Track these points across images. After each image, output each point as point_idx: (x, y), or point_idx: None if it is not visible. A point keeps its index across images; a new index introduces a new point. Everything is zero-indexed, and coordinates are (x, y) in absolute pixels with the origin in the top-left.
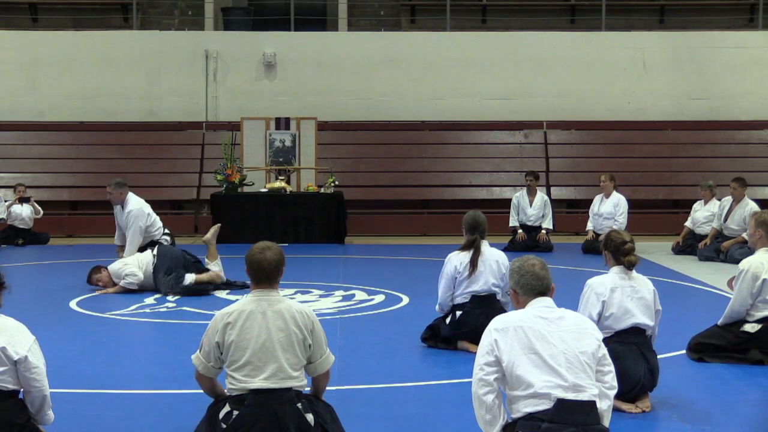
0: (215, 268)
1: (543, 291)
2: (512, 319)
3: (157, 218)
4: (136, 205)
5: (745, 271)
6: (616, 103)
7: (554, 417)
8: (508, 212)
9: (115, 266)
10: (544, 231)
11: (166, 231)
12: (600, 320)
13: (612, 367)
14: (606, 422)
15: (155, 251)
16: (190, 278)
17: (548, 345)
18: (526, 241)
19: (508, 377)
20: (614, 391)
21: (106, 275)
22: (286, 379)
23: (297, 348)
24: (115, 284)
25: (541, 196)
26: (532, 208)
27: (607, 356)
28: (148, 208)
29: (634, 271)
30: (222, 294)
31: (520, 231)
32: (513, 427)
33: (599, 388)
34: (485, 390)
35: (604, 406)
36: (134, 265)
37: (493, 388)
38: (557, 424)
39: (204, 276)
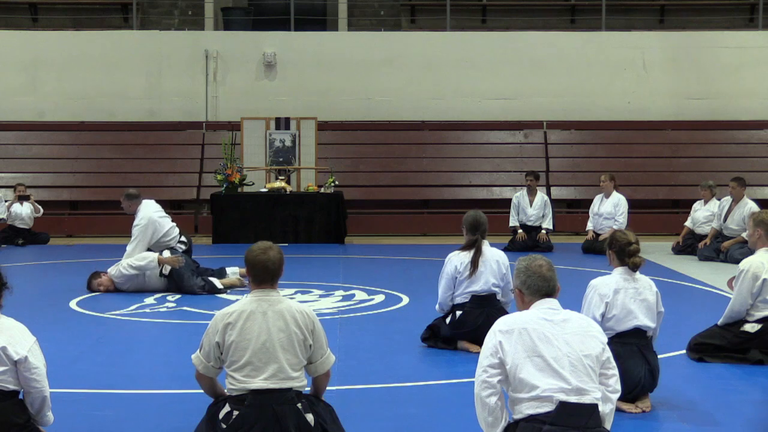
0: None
1: (549, 292)
2: (517, 320)
3: (173, 227)
4: (142, 220)
5: (746, 270)
6: (616, 103)
7: (555, 419)
8: (508, 212)
9: (112, 270)
10: (544, 231)
11: (182, 239)
12: (602, 321)
13: (616, 371)
14: (608, 425)
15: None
16: (218, 281)
17: (552, 348)
18: (526, 241)
19: (511, 379)
20: (617, 395)
21: (106, 279)
22: (286, 379)
23: (297, 348)
24: (116, 287)
25: (541, 196)
26: (533, 208)
27: (612, 359)
28: (156, 217)
29: (637, 272)
30: (222, 294)
31: (520, 231)
32: (514, 427)
33: (602, 391)
34: (488, 392)
35: (607, 409)
36: (128, 263)
37: (496, 390)
38: (558, 427)
39: (227, 281)
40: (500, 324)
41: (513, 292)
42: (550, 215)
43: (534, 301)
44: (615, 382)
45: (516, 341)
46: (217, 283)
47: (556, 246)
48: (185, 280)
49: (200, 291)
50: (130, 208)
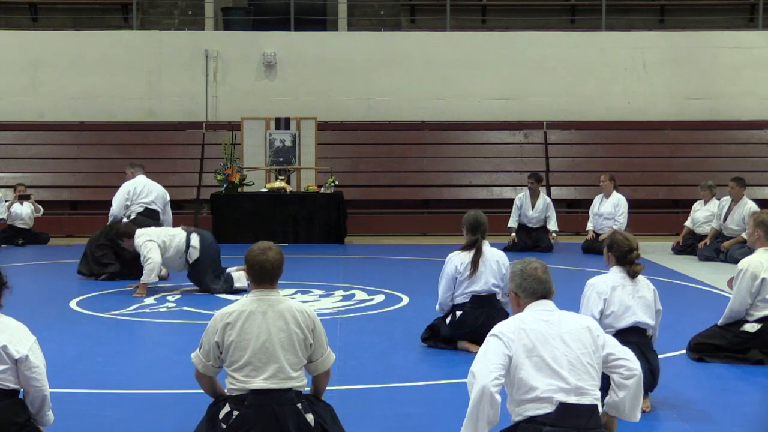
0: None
1: (545, 294)
2: (515, 322)
3: (137, 206)
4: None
5: (744, 270)
6: (616, 103)
7: (556, 421)
8: (508, 212)
9: (138, 241)
10: (553, 234)
11: (133, 218)
12: (601, 319)
13: (624, 358)
14: (629, 412)
15: (195, 242)
16: (239, 280)
17: (550, 347)
18: (526, 241)
19: (510, 379)
20: (632, 381)
21: (131, 244)
22: (286, 379)
23: (298, 348)
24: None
25: (543, 198)
26: (534, 210)
27: (614, 349)
28: (129, 188)
29: None
30: (222, 294)
31: (513, 234)
32: (514, 429)
33: (616, 379)
34: (497, 389)
35: (621, 394)
36: (155, 249)
37: (501, 388)
38: (558, 428)
39: (242, 267)
40: (500, 327)
41: (507, 295)
42: (555, 217)
43: (529, 303)
44: (626, 371)
45: (516, 341)
46: (236, 282)
47: (555, 246)
48: (206, 279)
49: (216, 291)
50: (128, 176)
